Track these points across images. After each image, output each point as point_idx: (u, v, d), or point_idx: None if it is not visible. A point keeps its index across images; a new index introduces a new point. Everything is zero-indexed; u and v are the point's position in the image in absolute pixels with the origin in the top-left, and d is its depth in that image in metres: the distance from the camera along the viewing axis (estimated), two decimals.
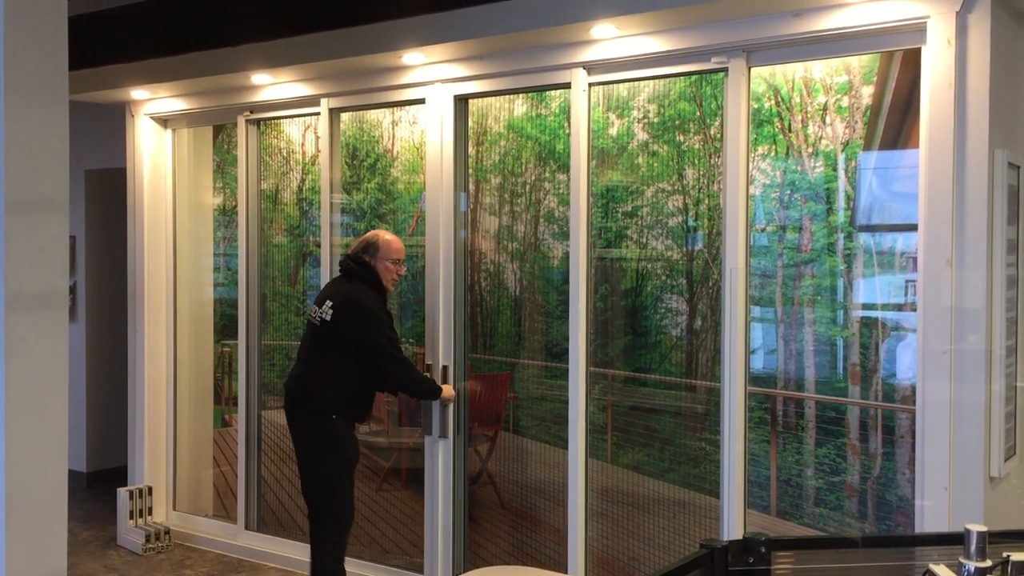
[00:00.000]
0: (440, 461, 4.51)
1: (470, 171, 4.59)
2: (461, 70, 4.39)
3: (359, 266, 4.20)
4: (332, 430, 4.10)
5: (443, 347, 4.50)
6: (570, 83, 4.10)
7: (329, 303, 4.16)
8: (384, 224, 4.86)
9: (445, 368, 4.49)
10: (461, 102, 4.52)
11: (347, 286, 4.20)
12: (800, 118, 3.66)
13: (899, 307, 3.49)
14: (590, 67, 4.05)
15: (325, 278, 4.96)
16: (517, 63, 4.22)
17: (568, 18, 3.80)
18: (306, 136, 5.19)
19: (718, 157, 3.83)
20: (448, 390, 4.42)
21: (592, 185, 4.16)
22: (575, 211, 4.11)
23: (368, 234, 4.32)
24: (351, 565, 4.86)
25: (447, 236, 4.49)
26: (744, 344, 3.74)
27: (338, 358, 4.12)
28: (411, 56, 4.38)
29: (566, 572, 4.22)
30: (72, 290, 6.78)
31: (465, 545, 4.57)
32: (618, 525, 4.12)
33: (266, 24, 4.48)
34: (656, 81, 3.99)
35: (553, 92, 4.29)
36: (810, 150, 3.63)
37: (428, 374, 4.49)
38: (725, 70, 3.74)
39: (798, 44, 3.59)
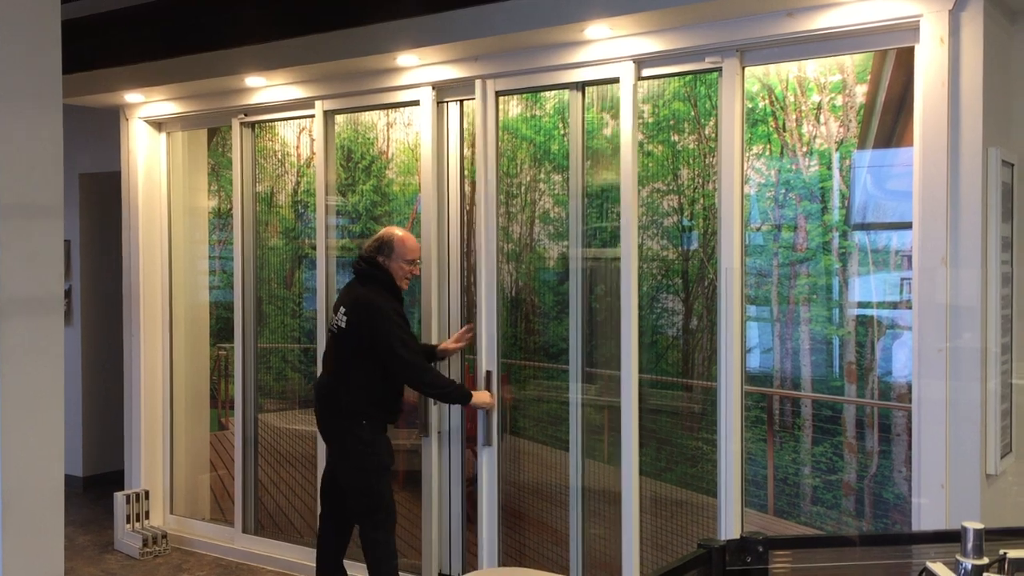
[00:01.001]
0: (485, 468, 4.37)
1: (465, 172, 4.59)
2: (454, 71, 4.39)
3: (372, 267, 4.15)
4: (363, 436, 4.10)
5: (485, 352, 4.35)
6: (618, 78, 3.98)
7: (343, 310, 4.15)
8: (380, 226, 4.85)
9: (489, 373, 4.34)
10: (452, 104, 4.52)
11: (361, 290, 4.16)
12: (794, 117, 3.67)
13: (894, 305, 3.50)
14: (640, 60, 3.93)
15: (321, 280, 4.96)
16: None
17: (561, 19, 3.80)
18: (301, 138, 5.19)
19: (713, 157, 3.84)
20: (482, 396, 4.27)
21: (587, 185, 4.16)
22: (626, 209, 3.96)
23: (382, 232, 4.25)
24: (350, 567, 4.86)
25: (488, 240, 4.35)
26: (740, 343, 3.74)
27: (359, 363, 4.10)
28: (405, 58, 4.38)
29: (565, 573, 4.22)
30: (67, 294, 6.76)
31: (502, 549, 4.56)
32: (616, 525, 4.12)
33: (260, 26, 4.47)
34: (651, 81, 3.99)
35: (547, 93, 4.29)
36: (804, 149, 3.64)
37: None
38: (719, 70, 3.75)
39: (792, 43, 3.59)
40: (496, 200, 4.35)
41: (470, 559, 4.58)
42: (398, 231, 4.23)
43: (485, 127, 4.33)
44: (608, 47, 3.97)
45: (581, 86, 4.14)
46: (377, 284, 4.15)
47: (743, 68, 3.72)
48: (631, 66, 3.94)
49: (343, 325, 4.13)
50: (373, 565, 4.13)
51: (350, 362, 4.13)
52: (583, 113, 4.16)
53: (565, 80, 4.14)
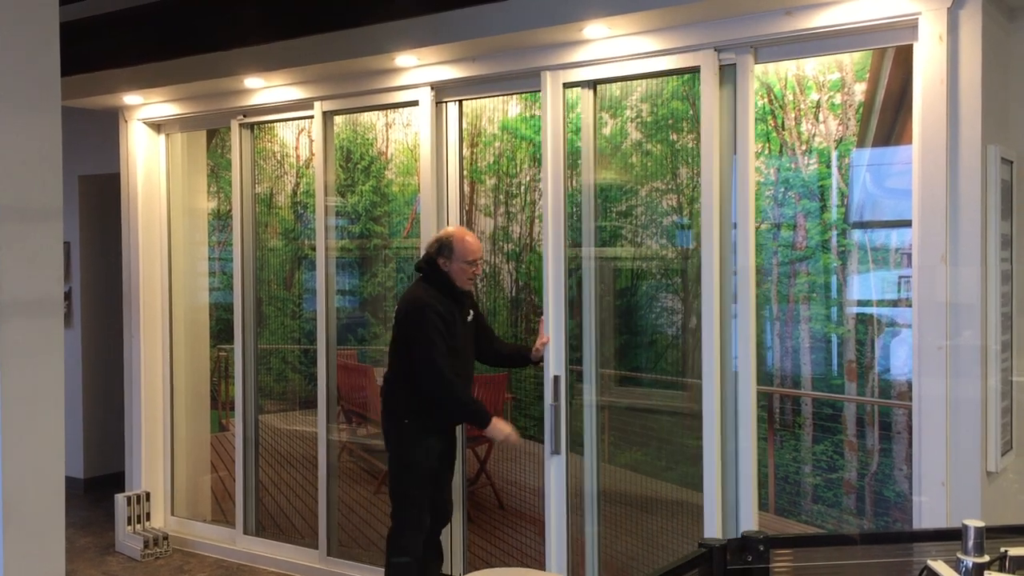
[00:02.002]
0: (553, 479, 4.16)
1: (464, 173, 4.59)
2: (453, 71, 4.39)
3: (431, 268, 4.04)
4: (403, 435, 4.03)
5: (553, 356, 4.15)
6: (699, 66, 3.77)
7: (397, 307, 4.13)
8: (380, 227, 4.86)
9: (557, 378, 4.15)
10: (451, 104, 4.52)
11: (413, 290, 4.10)
12: (793, 116, 3.66)
13: (894, 303, 3.50)
14: (721, 48, 3.72)
15: (321, 281, 4.96)
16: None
17: (560, 18, 3.80)
18: (300, 139, 5.19)
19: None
20: (501, 427, 4.00)
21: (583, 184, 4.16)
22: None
23: (443, 233, 4.11)
24: (352, 568, 4.87)
25: (556, 241, 4.14)
26: (755, 342, 3.70)
27: (407, 362, 4.02)
28: (404, 58, 4.38)
29: (565, 573, 4.22)
30: (67, 296, 6.76)
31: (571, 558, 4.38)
32: (619, 526, 4.12)
33: (259, 27, 4.47)
34: (649, 80, 3.99)
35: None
36: (803, 147, 3.64)
37: None
38: (733, 67, 3.70)
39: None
40: (564, 198, 4.15)
41: (471, 559, 4.58)
42: (459, 232, 4.07)
43: (552, 120, 4.14)
44: (607, 46, 3.97)
45: (593, 84, 4.08)
46: (432, 285, 4.03)
47: (749, 66, 3.70)
48: (712, 54, 3.73)
49: (394, 323, 4.10)
50: (389, 565, 4.09)
51: (401, 361, 4.06)
52: (595, 111, 4.11)
53: (647, 70, 3.92)
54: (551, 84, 4.14)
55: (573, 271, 4.20)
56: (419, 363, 3.94)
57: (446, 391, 3.94)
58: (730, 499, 3.77)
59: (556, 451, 4.16)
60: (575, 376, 4.20)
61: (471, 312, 4.16)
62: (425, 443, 4.02)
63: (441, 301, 3.98)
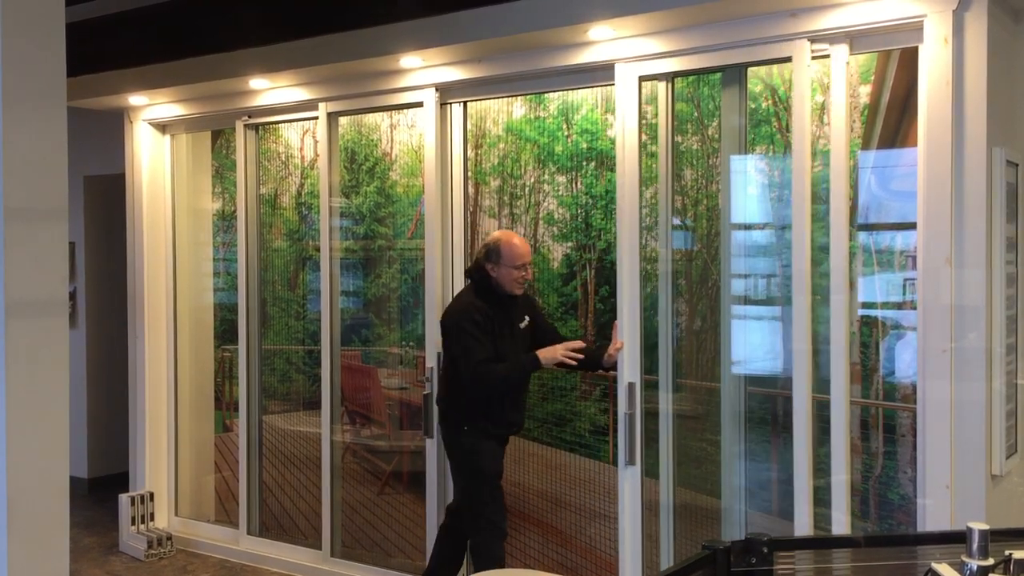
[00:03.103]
0: (628, 492, 3.97)
1: (468, 174, 4.59)
2: (458, 72, 4.39)
3: (479, 273, 3.98)
4: (464, 442, 3.99)
5: (628, 363, 3.95)
6: (791, 56, 3.57)
7: (441, 318, 4.11)
8: (384, 228, 4.86)
9: (631, 385, 3.94)
10: (455, 105, 4.53)
11: (457, 297, 4.11)
12: None
13: (899, 305, 3.49)
14: (814, 38, 3.53)
15: (325, 282, 4.97)
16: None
17: (567, 19, 3.79)
18: (304, 140, 5.20)
19: (716, 158, 3.83)
20: (549, 354, 3.89)
21: (588, 187, 4.16)
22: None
23: (490, 238, 4.04)
24: (355, 569, 4.87)
25: (631, 241, 3.95)
26: (848, 347, 3.55)
27: (456, 373, 3.98)
28: (409, 59, 4.38)
29: (567, 574, 4.22)
30: (72, 296, 6.78)
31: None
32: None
33: (263, 29, 4.48)
34: (652, 82, 3.97)
35: (551, 95, 4.29)
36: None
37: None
38: (827, 57, 3.55)
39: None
40: (640, 197, 3.96)
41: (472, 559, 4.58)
42: (506, 236, 3.99)
43: (627, 116, 3.94)
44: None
45: (670, 77, 3.92)
46: (480, 292, 3.97)
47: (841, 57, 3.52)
48: (805, 44, 3.53)
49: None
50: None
51: (452, 368, 4.02)
52: (671, 104, 3.95)
53: (732, 61, 3.73)
54: (626, 77, 3.94)
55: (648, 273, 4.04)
56: (464, 376, 3.90)
57: (494, 381, 3.90)
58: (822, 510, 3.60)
59: (631, 462, 3.97)
60: (647, 384, 4.03)
61: (526, 318, 4.06)
62: (486, 447, 3.99)
63: (485, 308, 3.92)
